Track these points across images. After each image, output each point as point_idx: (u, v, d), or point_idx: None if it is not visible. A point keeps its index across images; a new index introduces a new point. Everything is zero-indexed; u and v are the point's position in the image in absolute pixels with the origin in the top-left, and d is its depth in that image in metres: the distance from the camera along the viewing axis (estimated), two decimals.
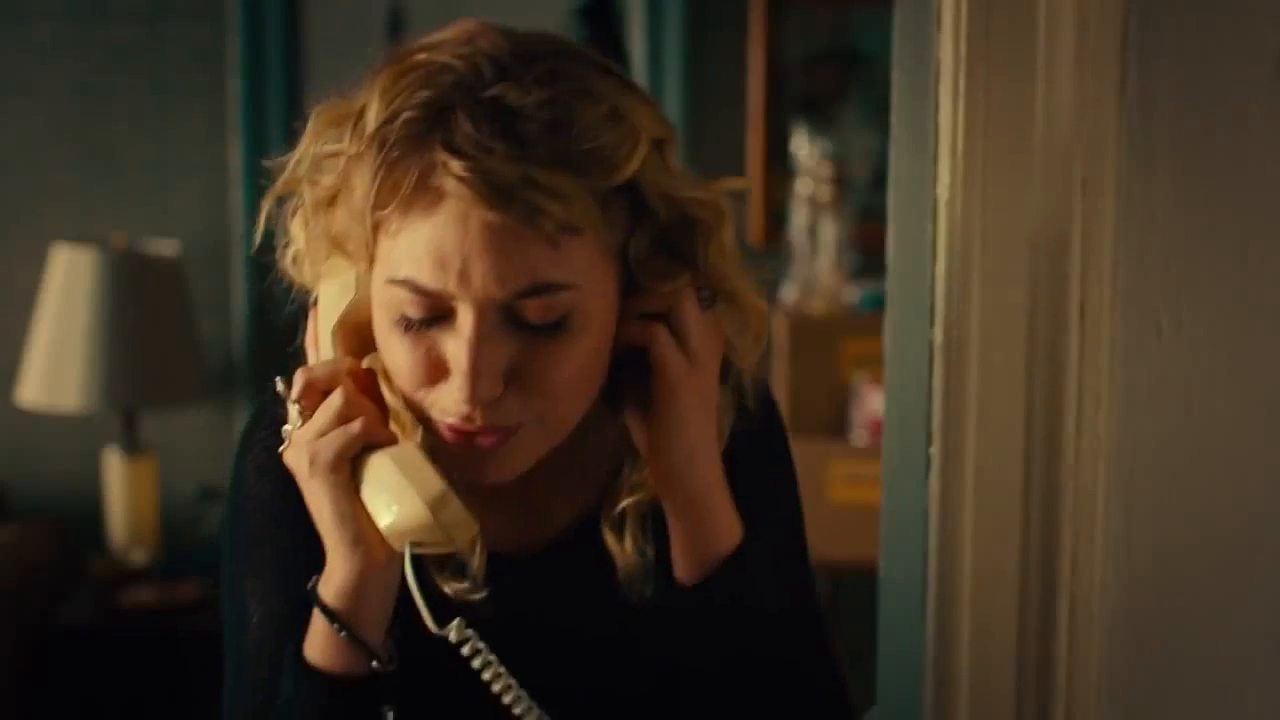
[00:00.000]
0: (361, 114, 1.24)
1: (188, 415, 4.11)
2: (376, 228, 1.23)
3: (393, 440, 1.28)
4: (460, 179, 1.18)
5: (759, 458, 1.49)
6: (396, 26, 6.58)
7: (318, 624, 1.28)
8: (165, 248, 3.95)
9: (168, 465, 4.05)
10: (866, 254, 4.06)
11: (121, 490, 3.88)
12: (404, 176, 1.20)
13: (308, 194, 1.30)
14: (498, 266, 1.20)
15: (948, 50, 1.45)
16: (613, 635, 1.39)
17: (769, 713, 1.35)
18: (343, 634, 1.26)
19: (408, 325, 1.24)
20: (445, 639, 1.28)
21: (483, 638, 1.30)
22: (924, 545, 1.53)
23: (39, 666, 3.68)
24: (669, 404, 1.30)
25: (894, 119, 1.57)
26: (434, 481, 1.25)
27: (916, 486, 1.53)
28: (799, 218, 4.13)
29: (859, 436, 3.81)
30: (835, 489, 3.77)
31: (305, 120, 1.31)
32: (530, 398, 1.25)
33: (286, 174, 1.31)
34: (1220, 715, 1.42)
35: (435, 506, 1.24)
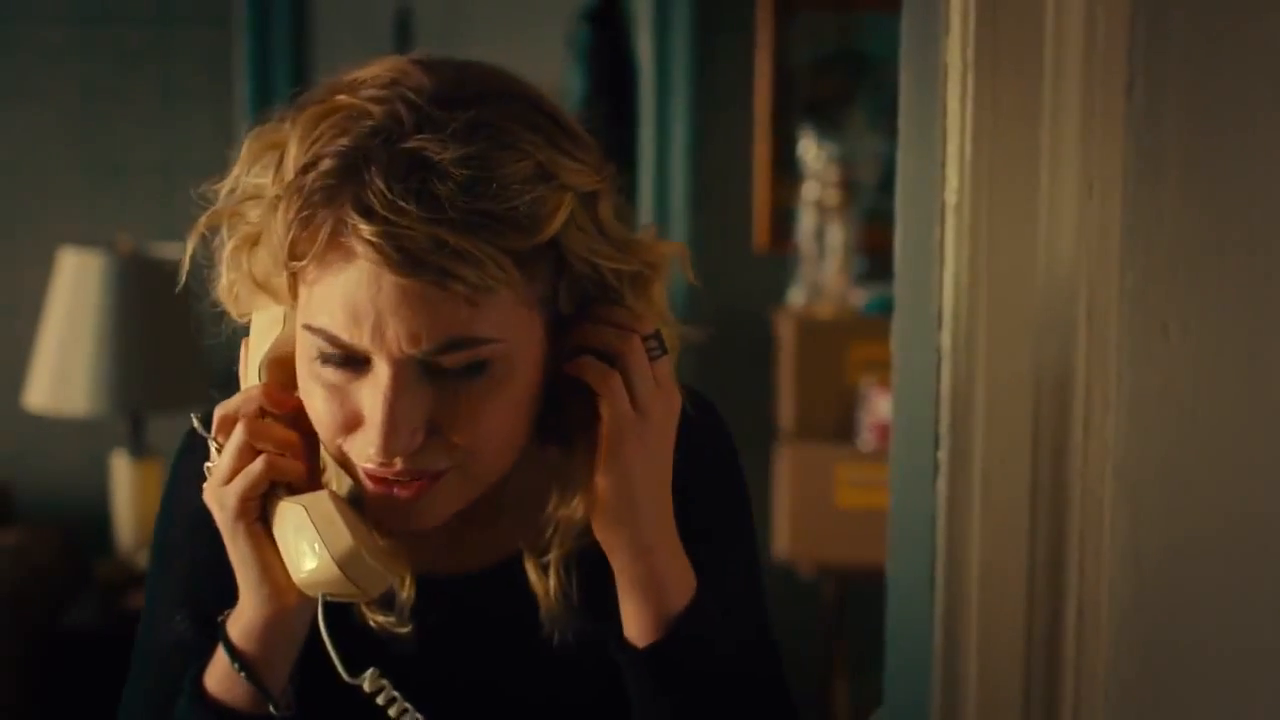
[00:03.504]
0: (283, 157, 1.22)
1: None
2: (294, 276, 1.21)
3: (302, 477, 1.26)
4: (369, 243, 1.14)
5: (709, 483, 1.43)
6: (404, 29, 6.59)
7: (222, 658, 1.27)
8: (172, 251, 3.95)
9: None
10: (874, 258, 4.06)
11: (128, 494, 3.88)
12: (317, 230, 1.17)
13: (234, 230, 1.28)
14: (411, 324, 1.16)
15: (955, 54, 1.45)
16: (537, 666, 1.37)
17: None
18: (243, 675, 1.26)
19: (325, 375, 1.22)
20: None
21: (405, 658, 1.30)
22: (932, 549, 1.53)
23: (45, 670, 3.68)
24: (614, 456, 1.26)
25: (902, 123, 1.57)
26: (343, 536, 1.22)
27: (924, 491, 1.53)
28: (806, 221, 4.13)
29: (866, 441, 3.81)
30: (842, 493, 3.77)
31: (240, 145, 1.29)
32: (452, 445, 1.22)
33: (218, 204, 1.30)
34: (1228, 719, 1.42)
35: (344, 563, 1.22)
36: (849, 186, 4.11)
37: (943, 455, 1.50)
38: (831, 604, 4.08)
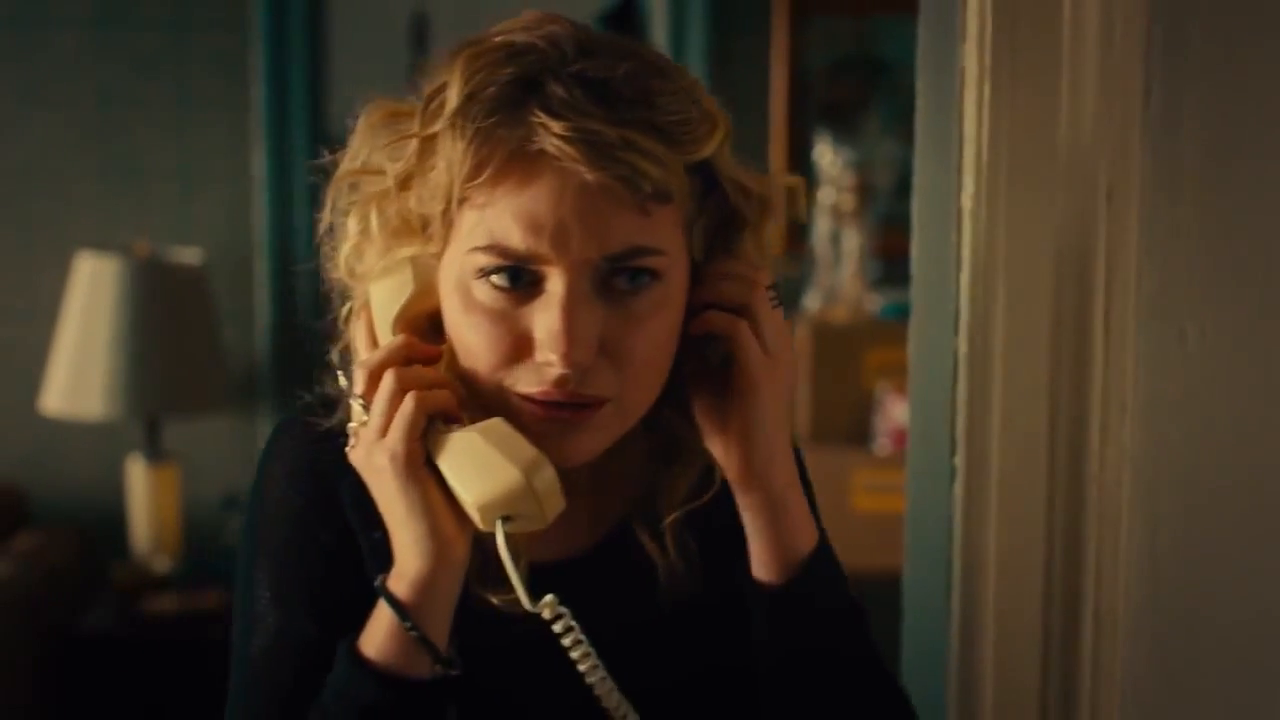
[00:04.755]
0: (436, 95, 1.24)
1: (210, 423, 4.12)
2: (462, 202, 1.22)
3: (456, 409, 1.26)
4: (562, 138, 1.17)
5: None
6: (420, 35, 6.60)
7: (379, 622, 1.26)
8: (188, 256, 3.96)
9: (190, 473, 4.06)
10: (889, 263, 4.06)
11: (144, 498, 3.89)
12: (498, 146, 1.19)
13: (369, 186, 1.29)
14: (595, 228, 1.19)
15: (972, 60, 1.45)
16: (653, 639, 1.37)
17: (848, 708, 1.34)
18: (413, 633, 1.24)
19: (489, 300, 1.23)
20: (521, 626, 1.27)
21: (526, 647, 1.29)
22: (948, 553, 1.53)
23: (61, 674, 3.69)
24: (750, 400, 1.28)
25: (918, 128, 1.57)
26: (527, 448, 1.22)
27: (941, 495, 1.53)
28: (822, 226, 4.12)
29: (882, 446, 3.81)
30: (858, 498, 3.76)
31: (356, 119, 1.31)
32: (618, 369, 1.23)
33: (344, 168, 1.31)
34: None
35: (530, 471, 1.21)
36: (864, 191, 4.10)
37: (959, 460, 1.50)
38: None
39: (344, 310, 1.36)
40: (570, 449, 1.25)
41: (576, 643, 1.26)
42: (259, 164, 4.14)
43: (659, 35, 4.67)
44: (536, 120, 1.18)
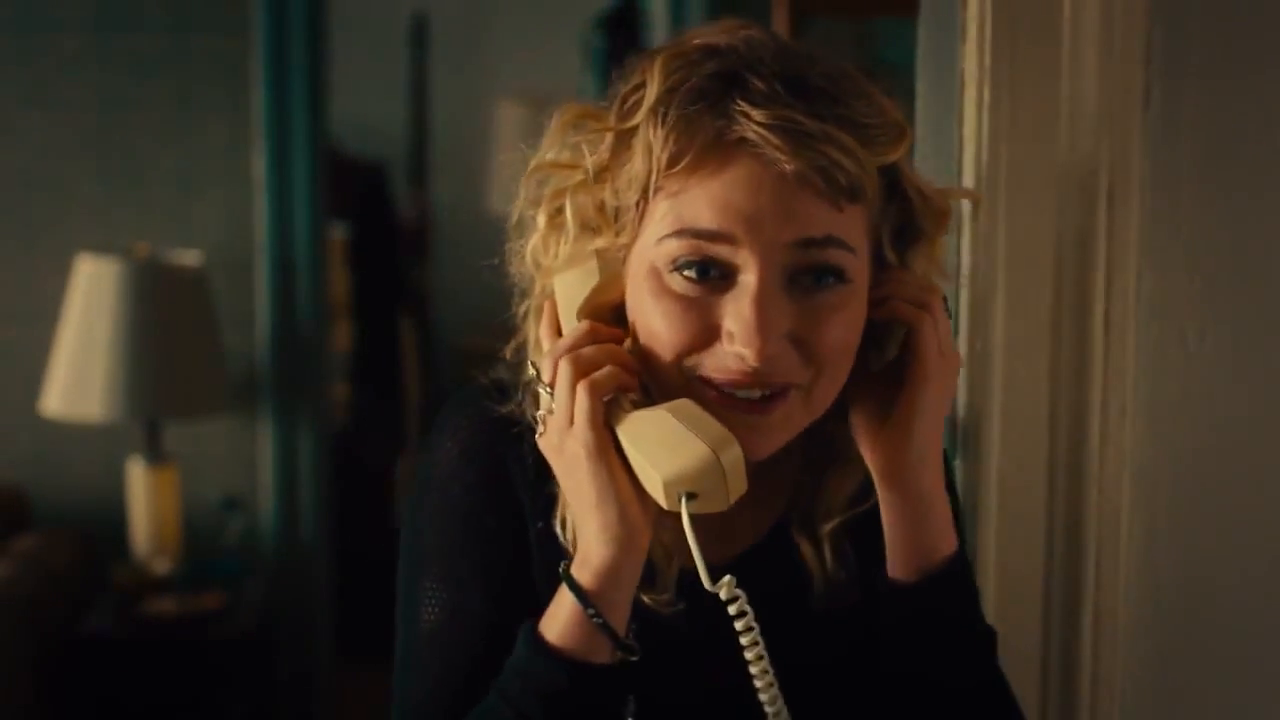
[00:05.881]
0: (634, 92, 1.26)
1: (210, 425, 4.12)
2: (658, 191, 1.23)
3: (636, 388, 1.26)
4: (763, 125, 1.18)
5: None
6: (420, 37, 6.60)
7: (562, 608, 1.26)
8: (188, 258, 3.96)
9: (190, 475, 4.06)
10: None
11: (144, 500, 3.89)
12: (697, 133, 1.21)
13: (560, 180, 1.31)
14: (791, 214, 1.20)
15: (972, 62, 1.45)
16: (807, 642, 1.36)
17: None
18: (596, 620, 1.25)
19: (680, 288, 1.23)
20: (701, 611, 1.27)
21: (677, 651, 1.30)
22: None
23: (62, 675, 3.69)
24: (919, 392, 1.29)
25: (918, 130, 1.57)
26: (716, 425, 1.22)
27: None
28: None
29: None
30: None
31: (549, 120, 1.32)
32: (806, 357, 1.24)
33: (535, 162, 1.32)
34: None
35: (719, 447, 1.21)
36: None
37: (958, 462, 1.50)
38: None
39: (523, 306, 1.37)
40: (753, 440, 1.25)
41: (748, 628, 1.26)
42: (259, 166, 4.14)
43: (658, 37, 4.67)
44: (738, 109, 1.20)
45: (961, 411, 1.49)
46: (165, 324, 3.80)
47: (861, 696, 1.36)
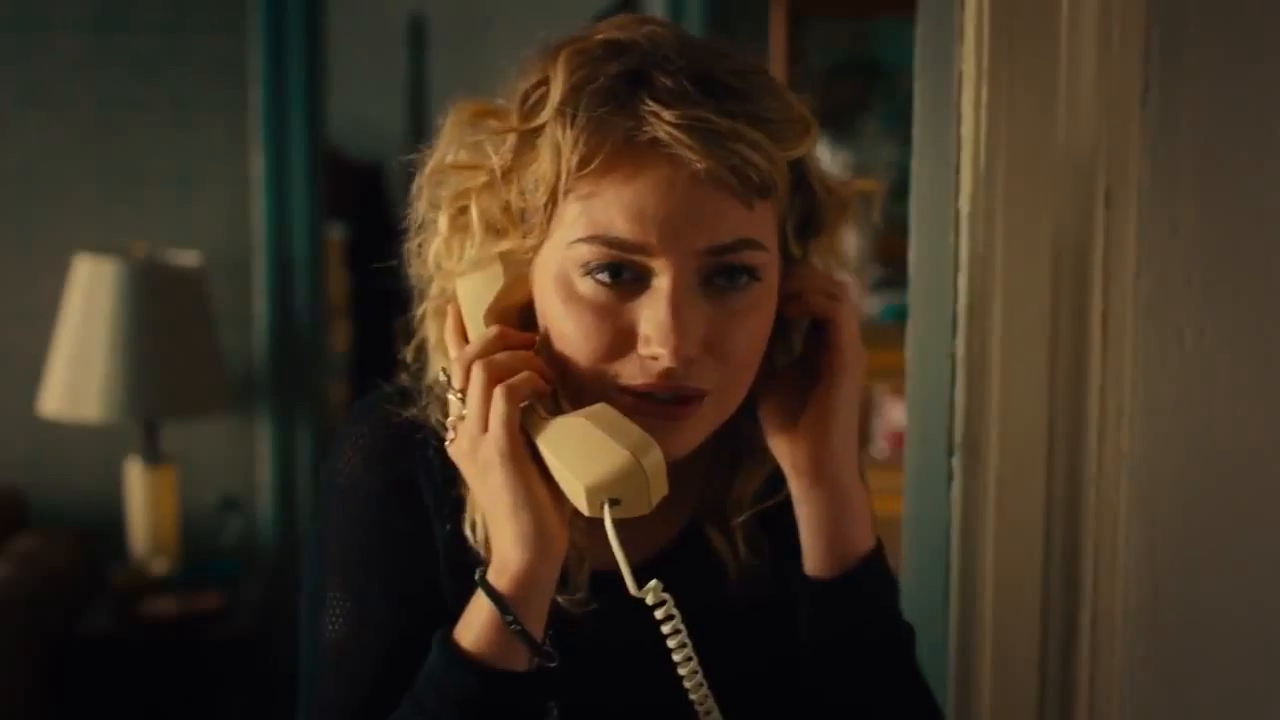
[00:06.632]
0: (536, 90, 1.24)
1: (208, 425, 4.12)
2: (567, 194, 1.22)
3: (549, 395, 1.26)
4: (674, 125, 1.17)
5: None
6: (417, 36, 6.60)
7: (477, 614, 1.25)
8: (186, 258, 3.96)
9: (188, 475, 4.06)
10: (887, 265, 4.06)
11: (142, 500, 3.89)
12: (607, 135, 1.19)
13: (460, 182, 1.29)
14: (703, 219, 1.19)
15: (970, 62, 1.45)
16: (725, 636, 1.36)
17: (883, 714, 1.34)
18: (514, 627, 1.23)
19: (591, 294, 1.22)
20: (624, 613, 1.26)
21: (596, 655, 1.30)
22: (946, 556, 1.53)
23: (60, 676, 3.69)
24: (836, 384, 1.30)
25: (916, 131, 1.57)
26: (635, 430, 1.21)
27: (939, 498, 1.53)
28: None
29: (879, 448, 3.81)
30: None
31: (443, 118, 1.32)
32: (719, 362, 1.23)
33: (436, 160, 1.31)
34: None
35: (640, 452, 1.20)
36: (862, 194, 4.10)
37: (957, 463, 1.50)
38: None
39: (420, 309, 1.36)
40: (672, 443, 1.24)
41: (675, 630, 1.26)
42: (257, 166, 4.14)
43: None
44: (648, 109, 1.18)
45: (959, 413, 1.49)
46: (163, 324, 3.80)
47: (784, 691, 1.37)
